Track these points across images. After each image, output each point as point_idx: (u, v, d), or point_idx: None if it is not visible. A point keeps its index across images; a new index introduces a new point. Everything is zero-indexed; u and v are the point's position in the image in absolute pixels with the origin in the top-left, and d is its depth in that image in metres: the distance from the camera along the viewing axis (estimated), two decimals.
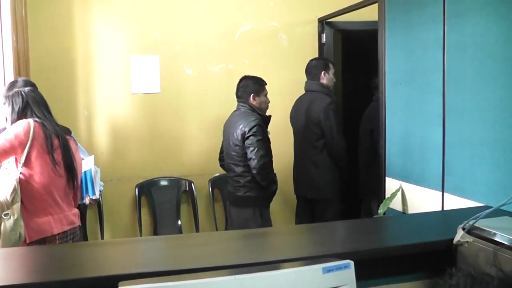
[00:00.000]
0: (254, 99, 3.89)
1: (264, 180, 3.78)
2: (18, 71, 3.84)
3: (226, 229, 4.47)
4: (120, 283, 1.20)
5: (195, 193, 4.77)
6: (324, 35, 5.05)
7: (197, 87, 4.80)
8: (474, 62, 2.80)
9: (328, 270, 1.19)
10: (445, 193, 3.06)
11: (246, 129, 3.72)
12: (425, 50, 3.28)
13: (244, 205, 3.84)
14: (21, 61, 3.94)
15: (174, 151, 4.79)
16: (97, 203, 4.57)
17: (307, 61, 4.75)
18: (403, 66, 3.55)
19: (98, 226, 4.61)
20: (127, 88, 4.66)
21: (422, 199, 3.32)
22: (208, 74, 4.83)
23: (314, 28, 5.06)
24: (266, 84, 3.97)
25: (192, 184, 4.76)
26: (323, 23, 5.03)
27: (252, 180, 3.79)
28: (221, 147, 4.15)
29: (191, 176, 4.75)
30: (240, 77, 3.97)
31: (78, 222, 3.06)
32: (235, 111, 3.98)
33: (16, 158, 2.80)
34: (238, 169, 3.83)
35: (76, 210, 3.08)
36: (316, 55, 5.03)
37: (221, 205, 4.86)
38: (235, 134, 3.79)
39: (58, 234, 2.84)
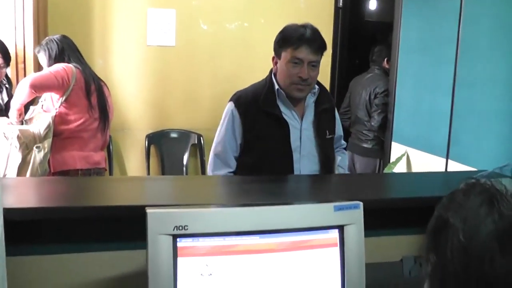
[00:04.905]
0: (387, 63, 4.26)
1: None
2: (37, 16, 3.91)
3: None
4: (147, 208, 1.29)
5: (203, 146, 4.86)
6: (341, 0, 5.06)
7: (212, 43, 4.83)
8: (489, 34, 2.85)
9: (339, 208, 1.29)
10: (449, 160, 3.16)
11: (379, 91, 4.12)
12: (441, 20, 3.32)
13: (371, 155, 4.30)
14: (40, 6, 4.02)
15: (185, 104, 4.85)
16: (107, 152, 4.68)
17: (322, 25, 4.73)
18: (418, 34, 3.60)
19: (107, 174, 4.72)
20: (142, 39, 4.70)
21: (426, 165, 3.42)
22: (224, 30, 4.86)
23: None
24: None
25: (201, 138, 4.85)
26: None
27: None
28: (345, 103, 4.55)
29: (200, 129, 4.83)
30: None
31: (104, 164, 3.22)
32: (368, 73, 4.37)
33: (51, 97, 2.94)
34: (369, 125, 4.23)
35: (102, 153, 3.24)
36: (332, 20, 5.05)
37: None
38: (371, 93, 4.18)
39: (81, 170, 3.00)
